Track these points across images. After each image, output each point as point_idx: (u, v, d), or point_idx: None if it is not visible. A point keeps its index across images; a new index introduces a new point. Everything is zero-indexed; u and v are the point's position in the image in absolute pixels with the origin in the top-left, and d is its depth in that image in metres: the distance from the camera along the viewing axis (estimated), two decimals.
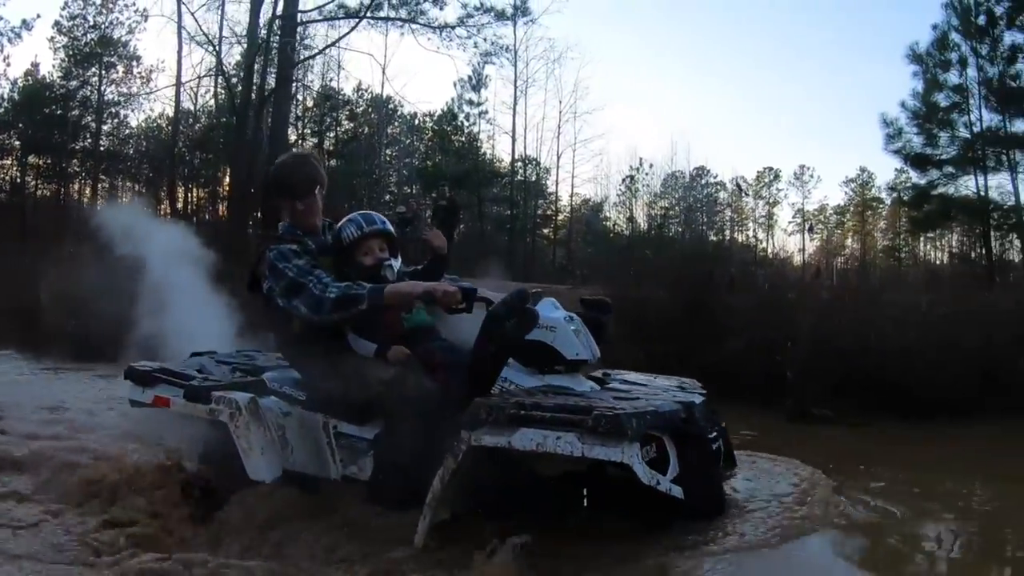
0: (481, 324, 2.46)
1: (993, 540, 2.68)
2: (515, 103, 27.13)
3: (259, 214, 15.54)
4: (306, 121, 27.37)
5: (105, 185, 27.53)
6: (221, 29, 17.92)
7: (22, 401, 4.75)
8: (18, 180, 25.84)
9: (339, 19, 17.63)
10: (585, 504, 2.50)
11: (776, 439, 4.48)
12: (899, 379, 5.64)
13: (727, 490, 2.71)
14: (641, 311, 7.20)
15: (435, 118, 28.98)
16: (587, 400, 2.40)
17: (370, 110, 28.82)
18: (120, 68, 25.51)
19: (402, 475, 2.57)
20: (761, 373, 6.07)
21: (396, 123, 30.19)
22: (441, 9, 18.15)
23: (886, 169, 54.50)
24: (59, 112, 25.23)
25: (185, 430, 3.11)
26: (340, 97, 27.75)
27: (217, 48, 17.75)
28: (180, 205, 23.73)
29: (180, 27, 17.66)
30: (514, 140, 27.43)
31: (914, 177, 15.30)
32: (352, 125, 28.68)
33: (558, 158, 28.87)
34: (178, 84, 20.07)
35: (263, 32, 16.24)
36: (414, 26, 17.87)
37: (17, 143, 25.43)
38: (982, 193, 14.47)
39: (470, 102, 27.82)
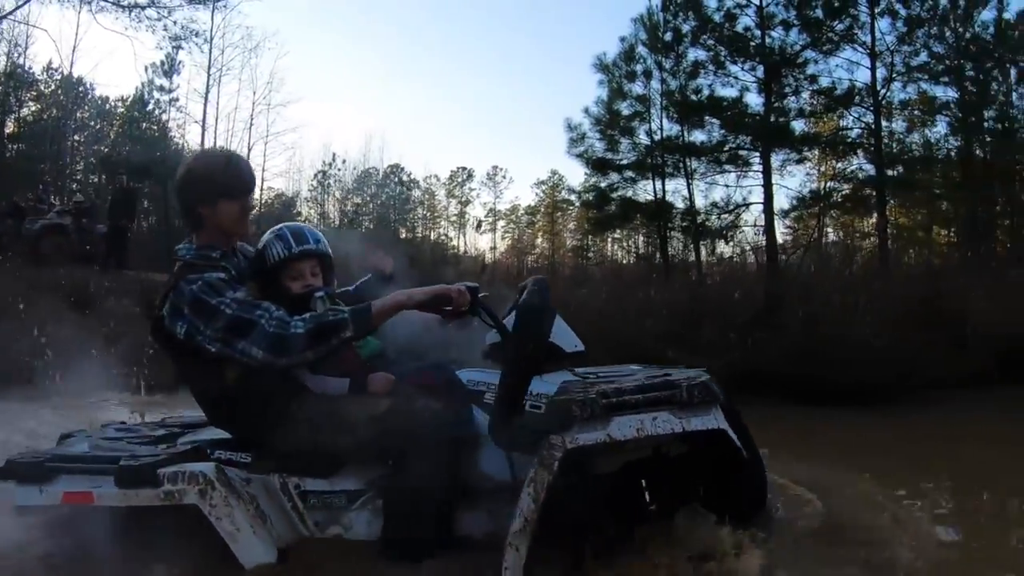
0: (516, 321, 2.11)
1: None
2: (207, 91, 24.94)
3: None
4: None
5: None
6: None
7: None
8: None
9: None
10: (647, 496, 2.36)
11: None
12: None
13: None
14: None
15: (127, 103, 26.62)
16: (637, 380, 2.29)
17: (59, 91, 25.49)
18: None
19: (422, 519, 2.23)
20: None
21: (86, 107, 26.94)
22: None
23: (577, 172, 60.57)
24: None
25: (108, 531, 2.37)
26: (27, 76, 24.21)
27: None
28: None
29: None
30: (204, 129, 25.16)
31: (595, 180, 16.05)
32: (38, 107, 25.24)
33: (249, 150, 26.80)
34: None
35: None
36: (102, 3, 16.13)
37: None
38: (660, 196, 15.54)
39: (161, 88, 25.96)
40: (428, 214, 38.07)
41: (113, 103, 27.60)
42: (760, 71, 14.46)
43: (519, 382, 2.12)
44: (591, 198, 16.39)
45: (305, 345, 2.16)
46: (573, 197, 24.09)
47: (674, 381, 2.18)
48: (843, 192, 15.80)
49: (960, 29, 14.68)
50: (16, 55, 23.67)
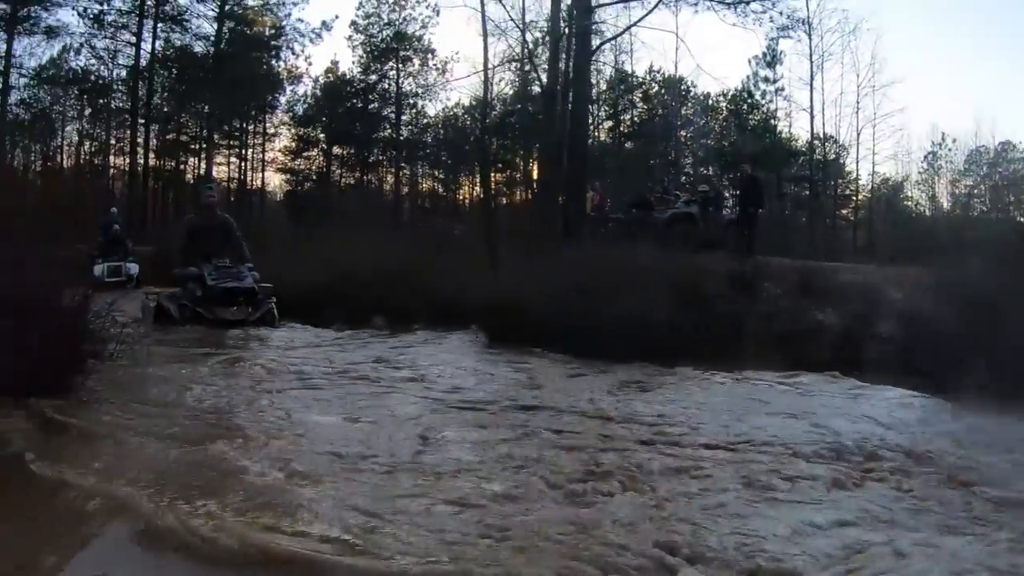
0: None
1: None
2: (811, 78, 25.62)
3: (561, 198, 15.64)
4: (600, 104, 27.32)
5: (406, 172, 29.41)
6: (524, 16, 18.47)
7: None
8: (324, 169, 28.45)
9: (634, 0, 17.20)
10: None
11: None
12: None
13: None
14: None
15: (728, 97, 28.03)
16: None
17: (663, 91, 28.40)
18: (416, 61, 27.13)
19: None
20: None
21: (689, 104, 29.13)
22: None
23: None
24: (359, 105, 27.33)
25: None
26: (634, 79, 27.58)
27: (523, 35, 18.20)
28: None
29: (484, 16, 17.92)
30: (812, 117, 25.91)
31: None
32: (646, 107, 28.49)
33: (858, 135, 26.61)
34: (485, 70, 20.46)
35: (564, 17, 16.24)
36: (709, 3, 16.82)
37: (322, 135, 28.07)
38: None
39: (765, 79, 26.94)
40: None
41: (715, 98, 28.70)
42: None
43: None
44: None
45: None
46: None
47: None
48: None
49: None
50: (621, 62, 26.82)
